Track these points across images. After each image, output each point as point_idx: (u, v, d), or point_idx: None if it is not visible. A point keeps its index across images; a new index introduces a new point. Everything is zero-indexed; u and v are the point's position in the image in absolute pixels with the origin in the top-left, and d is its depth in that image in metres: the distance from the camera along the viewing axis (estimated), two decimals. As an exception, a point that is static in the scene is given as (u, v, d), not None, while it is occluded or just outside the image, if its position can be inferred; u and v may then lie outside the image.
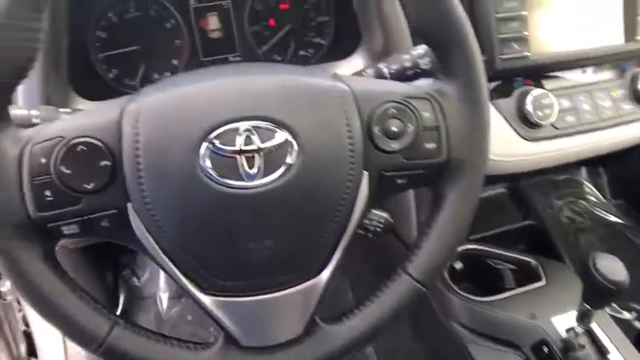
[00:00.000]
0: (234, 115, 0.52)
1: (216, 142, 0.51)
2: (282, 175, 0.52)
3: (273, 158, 0.52)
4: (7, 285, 1.39)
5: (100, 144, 0.52)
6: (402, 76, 0.73)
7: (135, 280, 1.68)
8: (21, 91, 0.76)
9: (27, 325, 1.33)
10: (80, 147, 0.51)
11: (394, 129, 0.57)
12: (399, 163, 0.58)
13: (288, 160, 0.53)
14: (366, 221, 0.66)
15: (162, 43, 0.94)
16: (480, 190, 0.62)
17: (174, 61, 0.95)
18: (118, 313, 1.56)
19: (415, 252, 0.62)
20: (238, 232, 0.54)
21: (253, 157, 0.52)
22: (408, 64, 0.72)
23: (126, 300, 1.65)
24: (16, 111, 0.64)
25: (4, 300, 1.40)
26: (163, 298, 1.66)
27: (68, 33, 0.83)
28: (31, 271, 0.53)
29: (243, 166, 0.52)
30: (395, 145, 0.57)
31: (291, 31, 0.97)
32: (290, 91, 0.55)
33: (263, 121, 0.52)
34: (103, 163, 0.51)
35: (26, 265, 0.52)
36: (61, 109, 0.69)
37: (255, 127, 0.52)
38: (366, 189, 0.57)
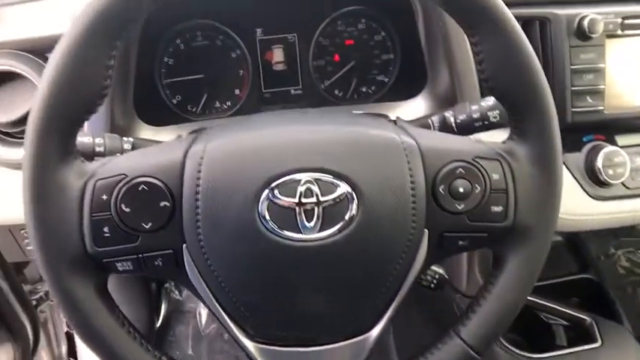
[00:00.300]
0: (297, 166, 0.51)
1: (277, 192, 0.51)
2: (340, 230, 0.51)
3: (332, 212, 0.51)
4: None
5: (161, 185, 0.52)
6: (469, 127, 0.70)
7: (177, 293, 1.69)
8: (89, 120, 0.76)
9: (69, 326, 1.35)
10: (142, 186, 0.51)
11: (460, 189, 0.54)
12: (463, 225, 0.56)
13: (348, 214, 0.51)
14: (421, 276, 0.64)
15: (226, 73, 0.94)
16: (544, 258, 0.58)
17: (237, 91, 0.96)
18: (159, 324, 1.60)
19: (470, 315, 0.59)
20: (291, 284, 0.53)
21: (312, 209, 0.51)
22: (476, 116, 0.70)
23: (167, 311, 1.67)
24: (82, 138, 0.65)
25: (52, 301, 1.44)
26: (203, 313, 1.67)
27: (137, 59, 0.84)
28: (83, 304, 0.53)
29: (301, 218, 0.51)
30: (460, 206, 0.55)
31: (355, 67, 0.96)
32: (355, 144, 0.53)
33: (325, 173, 0.51)
34: (163, 203, 0.52)
35: (79, 297, 0.53)
36: (125, 138, 0.70)
37: (317, 180, 0.51)
38: (426, 248, 0.55)
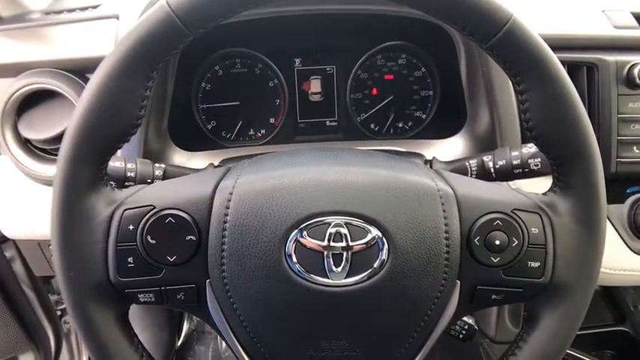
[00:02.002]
0: (327, 209, 0.50)
1: (305, 233, 0.49)
2: (368, 277, 0.49)
3: (361, 258, 0.49)
4: None
5: (188, 218, 0.51)
6: (507, 173, 0.68)
7: (199, 313, 1.68)
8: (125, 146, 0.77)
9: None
10: (169, 219, 0.51)
11: (497, 242, 0.52)
12: (497, 279, 0.53)
13: (378, 261, 0.49)
14: (450, 326, 0.62)
15: (262, 101, 0.94)
16: (582, 318, 0.55)
17: (272, 120, 0.95)
18: (180, 343, 1.59)
19: None
20: (314, 329, 0.51)
21: (341, 254, 0.49)
22: (516, 162, 0.67)
23: (188, 331, 1.66)
24: (114, 163, 0.65)
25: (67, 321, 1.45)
26: (223, 336, 1.65)
27: (174, 83, 0.85)
28: (101, 331, 0.52)
29: (329, 262, 0.49)
30: (495, 259, 0.52)
31: (393, 102, 0.95)
32: (389, 188, 0.51)
33: (356, 218, 0.50)
34: (189, 237, 0.51)
35: (98, 325, 0.52)
36: (157, 165, 0.70)
37: (347, 223, 0.49)
38: (457, 300, 0.53)
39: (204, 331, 1.70)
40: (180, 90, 0.90)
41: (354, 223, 0.50)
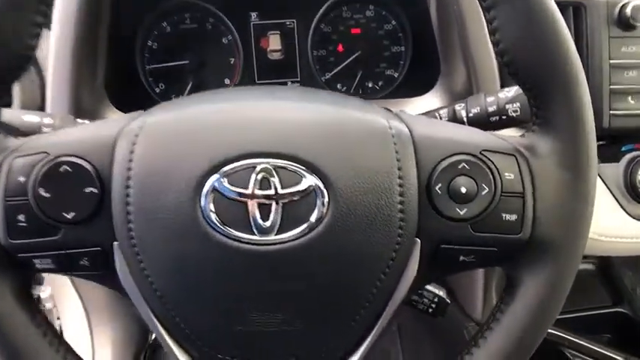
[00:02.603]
0: (252, 149, 0.41)
1: (225, 180, 0.41)
2: (303, 233, 0.41)
3: (295, 209, 0.41)
4: (47, 291, 1.36)
5: (88, 166, 0.43)
6: (482, 122, 0.59)
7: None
8: (49, 94, 0.70)
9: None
10: (64, 167, 0.42)
11: (463, 190, 0.44)
12: (465, 236, 0.45)
13: (315, 214, 0.41)
14: (415, 297, 0.54)
15: (215, 60, 0.86)
16: (569, 283, 0.47)
17: (227, 80, 0.88)
18: (154, 336, 1.51)
19: (472, 351, 0.48)
20: (242, 298, 0.43)
21: (270, 205, 0.41)
22: (492, 109, 0.59)
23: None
24: (26, 116, 0.56)
25: (44, 307, 1.37)
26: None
27: (110, 39, 0.77)
28: None
29: (254, 215, 0.41)
30: (462, 212, 0.44)
31: (361, 59, 0.87)
32: (329, 126, 0.43)
33: (288, 160, 0.41)
34: (89, 189, 0.42)
35: None
36: (80, 120, 0.61)
37: (277, 168, 0.41)
38: (417, 263, 0.44)
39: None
40: (123, 49, 0.82)
41: (285, 167, 0.41)
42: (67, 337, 1.16)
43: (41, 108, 0.70)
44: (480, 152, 0.44)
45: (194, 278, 0.43)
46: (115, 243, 0.43)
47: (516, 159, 0.45)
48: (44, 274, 1.04)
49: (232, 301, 0.43)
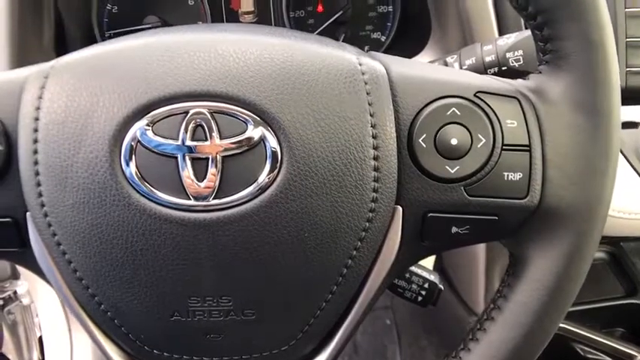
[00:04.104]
0: (183, 90, 0.33)
1: (149, 130, 0.33)
2: (250, 197, 0.33)
3: (239, 166, 0.33)
4: (23, 286, 1.29)
5: None
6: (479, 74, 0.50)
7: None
8: None
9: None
10: None
11: (453, 142, 0.35)
12: (458, 201, 0.36)
13: (265, 173, 0.33)
14: (401, 283, 0.45)
15: (180, 23, 0.75)
16: (589, 262, 0.38)
17: (193, 47, 0.78)
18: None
19: (470, 346, 0.39)
20: (176, 279, 0.35)
21: (206, 159, 0.32)
22: (490, 59, 0.50)
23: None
24: None
25: (21, 302, 1.30)
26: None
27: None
28: None
29: (187, 174, 0.33)
30: (452, 170, 0.35)
31: (343, 20, 0.77)
32: (285, 63, 0.34)
33: (229, 103, 0.33)
34: None
35: None
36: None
37: (215, 113, 0.33)
38: (398, 236, 0.36)
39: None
40: (80, 16, 0.74)
41: (225, 111, 0.33)
42: (46, 334, 1.11)
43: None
44: (475, 94, 0.35)
45: (116, 255, 0.34)
46: (28, 213, 0.35)
47: (520, 103, 0.36)
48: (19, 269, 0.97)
49: (165, 284, 0.35)
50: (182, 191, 0.32)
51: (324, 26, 0.77)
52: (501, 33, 0.63)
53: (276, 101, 0.33)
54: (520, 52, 0.49)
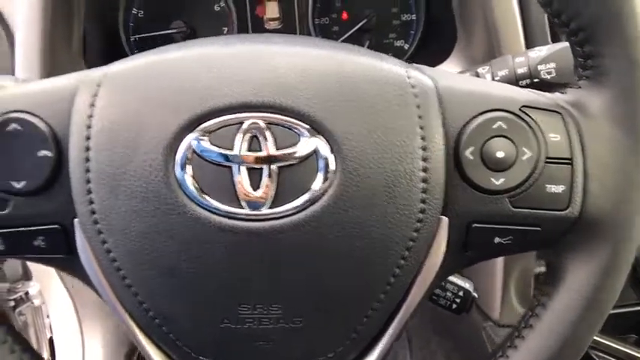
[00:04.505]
0: (237, 100, 0.33)
1: (205, 139, 0.33)
2: (303, 207, 0.34)
3: (292, 177, 0.34)
4: (35, 287, 1.29)
5: (41, 124, 0.35)
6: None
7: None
8: (18, 58, 0.62)
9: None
10: (13, 125, 0.35)
11: (500, 155, 0.36)
12: (502, 212, 0.37)
13: (318, 183, 0.33)
14: (437, 290, 0.47)
15: (206, 29, 0.79)
16: (626, 273, 0.39)
17: (219, 52, 0.79)
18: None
19: (515, 345, 0.40)
20: (228, 287, 0.35)
21: (260, 170, 0.33)
22: (522, 71, 0.51)
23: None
24: None
25: (32, 303, 1.30)
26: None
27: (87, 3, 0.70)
28: None
29: (242, 183, 0.33)
30: (498, 182, 0.36)
31: (367, 28, 0.78)
32: (337, 75, 0.35)
33: (284, 115, 0.33)
34: (43, 153, 0.35)
35: None
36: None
37: (270, 124, 0.33)
38: (444, 246, 0.36)
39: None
40: (106, 19, 0.75)
41: (281, 123, 0.33)
42: (57, 336, 1.11)
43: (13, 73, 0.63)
44: (520, 108, 0.36)
45: (167, 262, 0.35)
46: (76, 220, 0.35)
47: (562, 117, 0.37)
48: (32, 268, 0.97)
49: (216, 292, 0.35)
50: (236, 200, 0.33)
51: (348, 34, 0.78)
52: (528, 43, 0.64)
53: (329, 113, 0.33)
54: (552, 64, 0.50)
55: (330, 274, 0.35)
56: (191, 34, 0.77)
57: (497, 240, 0.37)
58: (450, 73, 0.40)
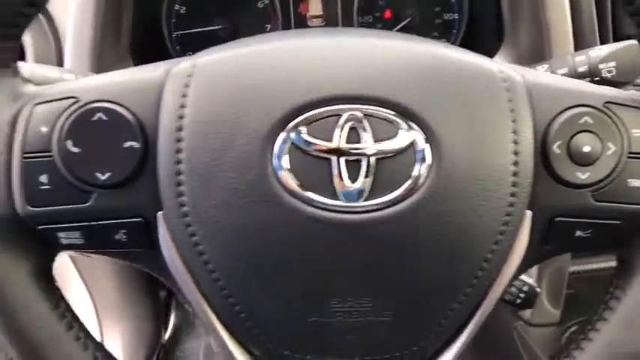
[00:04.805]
0: (337, 93, 0.33)
1: (303, 131, 0.33)
2: (399, 199, 0.33)
3: (390, 169, 0.33)
4: None
5: (128, 115, 0.35)
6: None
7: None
8: (68, 55, 0.63)
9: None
10: (98, 115, 0.34)
11: (586, 149, 0.36)
12: (585, 206, 0.37)
13: (414, 174, 0.33)
14: None
15: (249, 26, 0.79)
16: None
17: (262, 49, 0.79)
18: (167, 337, 1.43)
19: (590, 337, 0.40)
20: (321, 280, 0.35)
21: (359, 162, 0.33)
22: (582, 69, 0.51)
23: (176, 324, 1.49)
24: (42, 70, 0.48)
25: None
26: (217, 328, 1.48)
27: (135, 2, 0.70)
28: (8, 292, 0.36)
29: (340, 175, 0.33)
30: (583, 176, 0.36)
31: (410, 27, 0.78)
32: (433, 68, 0.35)
33: (382, 107, 0.33)
34: (129, 144, 0.35)
35: (6, 284, 0.36)
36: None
37: (369, 116, 0.33)
38: (526, 240, 0.37)
39: (194, 323, 1.54)
40: (149, 13, 0.75)
41: (379, 115, 0.33)
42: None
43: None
44: (604, 104, 0.36)
45: (260, 255, 0.34)
46: (160, 213, 0.35)
47: None
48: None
49: (309, 285, 0.35)
50: (333, 192, 0.33)
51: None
52: (576, 43, 0.64)
53: (427, 106, 0.33)
54: (613, 63, 0.50)
55: (421, 266, 0.35)
56: (234, 30, 0.77)
57: (577, 233, 0.37)
58: (532, 70, 0.40)
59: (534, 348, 0.91)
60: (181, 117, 0.34)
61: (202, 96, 0.34)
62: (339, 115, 0.33)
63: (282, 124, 0.33)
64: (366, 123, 0.33)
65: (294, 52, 0.35)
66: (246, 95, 0.34)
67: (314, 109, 0.33)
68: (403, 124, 0.33)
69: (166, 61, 0.38)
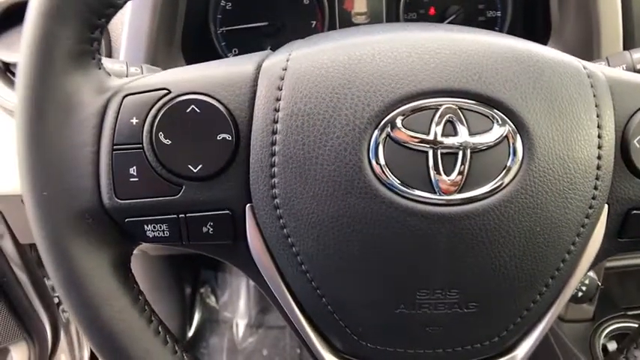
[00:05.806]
0: (434, 86, 0.34)
1: (399, 124, 0.33)
2: (492, 192, 0.34)
3: (483, 162, 0.34)
4: None
5: (221, 107, 0.35)
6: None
7: (213, 299, 1.52)
8: (124, 51, 0.63)
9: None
10: (192, 108, 0.35)
11: None
12: None
13: (507, 169, 0.34)
14: None
15: (294, 23, 0.79)
16: None
17: (306, 46, 0.79)
18: (191, 333, 1.44)
19: None
20: (412, 272, 0.36)
21: (455, 155, 0.33)
22: (640, 66, 0.51)
23: (200, 320, 1.50)
24: (111, 64, 0.49)
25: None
26: (240, 324, 1.49)
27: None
28: (91, 283, 0.36)
29: (436, 168, 0.33)
30: None
31: (454, 24, 0.77)
32: (525, 64, 0.35)
33: (478, 101, 0.34)
34: (222, 136, 0.35)
35: (85, 274, 0.36)
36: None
37: (464, 109, 0.34)
38: (602, 233, 0.37)
39: (218, 319, 1.54)
40: (196, 9, 0.75)
41: (475, 109, 0.34)
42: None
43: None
44: None
45: (352, 247, 0.35)
46: (248, 205, 0.36)
47: None
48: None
49: (399, 277, 0.35)
50: (429, 185, 0.33)
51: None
52: (625, 40, 0.64)
53: (521, 100, 0.34)
54: (671, 61, 0.50)
55: (508, 258, 0.35)
56: (279, 27, 0.78)
57: None
58: (607, 67, 0.40)
59: (568, 344, 0.91)
60: (276, 110, 0.34)
61: (298, 89, 0.34)
62: (435, 109, 0.33)
63: (378, 116, 0.33)
64: (462, 116, 0.33)
65: (388, 45, 0.35)
66: (342, 88, 0.34)
67: (410, 102, 0.33)
68: (499, 119, 0.34)
69: (250, 55, 0.39)
